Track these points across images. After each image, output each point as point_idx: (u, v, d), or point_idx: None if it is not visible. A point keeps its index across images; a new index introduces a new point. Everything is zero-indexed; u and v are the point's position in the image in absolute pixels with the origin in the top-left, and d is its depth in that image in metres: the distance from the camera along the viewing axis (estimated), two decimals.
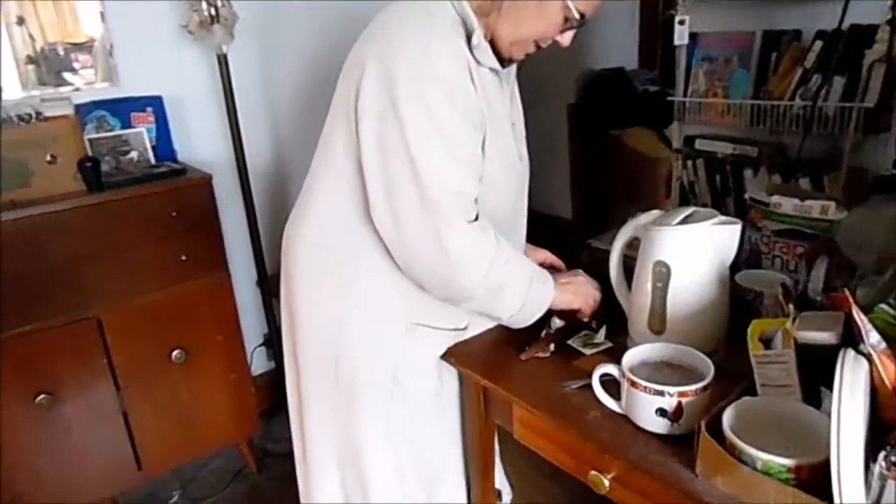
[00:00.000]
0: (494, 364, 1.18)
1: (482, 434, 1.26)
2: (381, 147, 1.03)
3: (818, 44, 1.53)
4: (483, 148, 1.09)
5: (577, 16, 1.03)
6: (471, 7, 1.05)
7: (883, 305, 0.90)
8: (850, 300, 0.83)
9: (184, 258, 1.90)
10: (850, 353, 0.80)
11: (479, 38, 1.04)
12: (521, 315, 1.17)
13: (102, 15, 2.02)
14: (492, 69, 1.09)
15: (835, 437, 0.73)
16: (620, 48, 4.21)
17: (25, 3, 1.90)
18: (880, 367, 0.80)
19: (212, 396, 2.07)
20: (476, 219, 1.08)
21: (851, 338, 0.84)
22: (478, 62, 1.05)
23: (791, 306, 1.03)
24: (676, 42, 1.78)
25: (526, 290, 1.14)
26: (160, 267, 1.88)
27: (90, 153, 1.89)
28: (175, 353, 1.95)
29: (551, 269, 1.33)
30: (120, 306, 1.83)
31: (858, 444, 0.73)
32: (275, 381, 2.50)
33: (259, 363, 2.53)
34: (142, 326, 1.88)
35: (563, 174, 4.18)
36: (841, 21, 1.42)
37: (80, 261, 1.75)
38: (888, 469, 0.72)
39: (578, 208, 4.23)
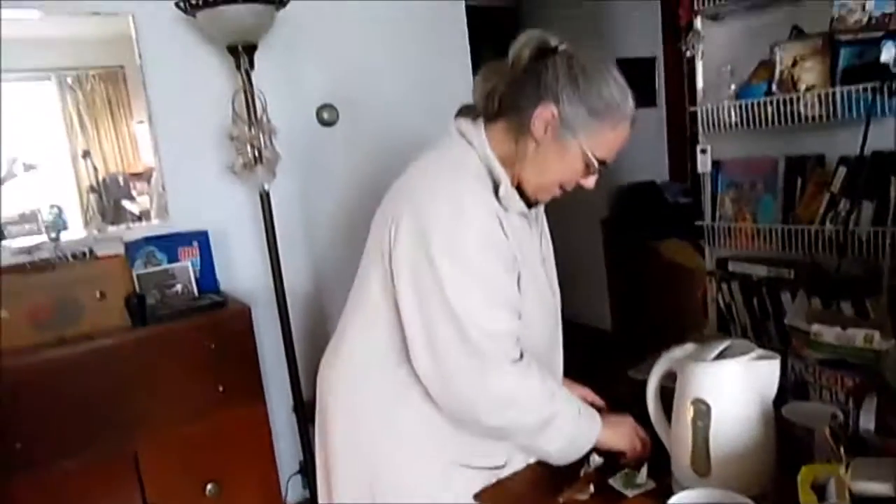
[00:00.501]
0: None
1: None
2: (420, 303, 1.05)
3: (842, 169, 1.55)
4: (519, 287, 1.11)
5: (595, 163, 1.07)
6: (496, 157, 1.10)
7: None
8: None
9: (221, 389, 1.93)
10: None
11: (505, 187, 1.08)
12: (567, 451, 1.15)
13: (155, 148, 2.19)
14: (521, 213, 1.13)
15: None
16: (650, 162, 4.32)
17: (91, 136, 2.09)
18: None
19: None
20: (521, 357, 1.08)
21: None
22: (505, 209, 1.09)
23: (842, 450, 0.98)
24: (700, 170, 1.82)
25: (573, 425, 1.12)
26: (197, 399, 1.90)
27: (138, 288, 1.98)
28: (209, 486, 1.93)
29: (591, 405, 1.30)
30: (156, 440, 1.85)
31: None
32: None
33: (294, 493, 2.47)
34: (177, 460, 1.88)
35: (602, 287, 4.19)
36: (862, 148, 1.44)
37: (121, 394, 1.79)
38: None
39: (618, 320, 4.19)
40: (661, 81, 4.32)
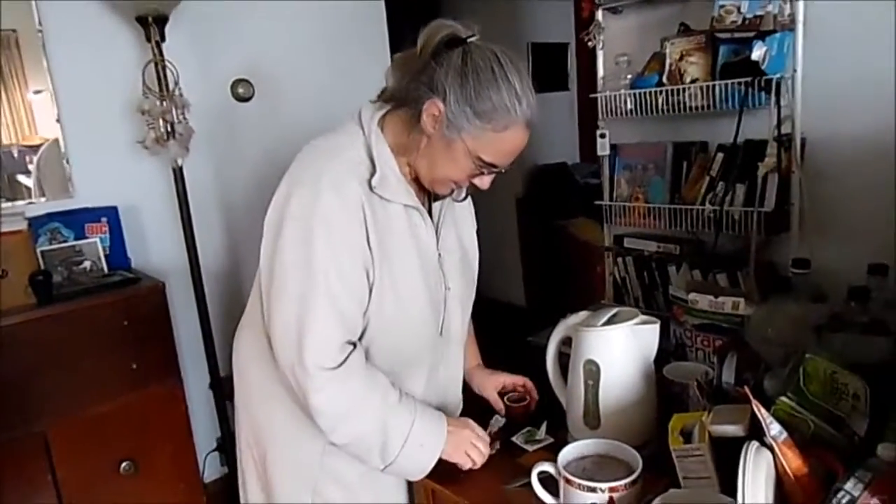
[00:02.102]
0: (442, 465, 1.21)
1: None
2: (267, 266, 1.07)
3: (720, 155, 1.72)
4: (372, 277, 1.07)
5: (482, 164, 1.04)
6: (389, 145, 1.08)
7: (784, 398, 0.99)
8: (750, 395, 0.92)
9: (135, 367, 1.91)
10: (754, 444, 0.89)
11: (381, 176, 1.05)
12: (393, 469, 1.11)
13: (59, 121, 2.09)
14: (404, 205, 1.10)
15: None
16: (562, 143, 4.51)
17: None
18: (781, 457, 0.88)
19: None
20: (342, 364, 1.04)
21: (758, 429, 0.92)
22: (383, 198, 1.06)
23: (707, 399, 1.13)
24: (599, 152, 1.97)
25: (415, 424, 1.09)
26: (110, 377, 1.87)
27: (42, 265, 1.92)
28: (124, 465, 1.91)
29: (513, 391, 1.37)
30: (67, 420, 1.81)
31: None
32: (228, 488, 2.45)
33: (212, 470, 2.48)
34: (89, 440, 1.85)
35: (516, 263, 4.34)
36: (735, 137, 1.61)
37: (28, 375, 1.74)
38: None
39: (531, 295, 4.36)
40: (573, 66, 4.51)
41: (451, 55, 0.99)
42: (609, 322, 1.23)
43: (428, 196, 1.19)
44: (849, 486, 0.82)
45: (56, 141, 2.11)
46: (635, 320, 1.22)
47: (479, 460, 1.16)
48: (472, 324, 1.44)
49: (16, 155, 2.07)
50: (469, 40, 1.01)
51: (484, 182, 1.09)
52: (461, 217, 1.28)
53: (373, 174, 1.05)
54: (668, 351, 1.36)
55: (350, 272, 1.04)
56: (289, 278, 1.04)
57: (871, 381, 1.02)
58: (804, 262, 1.38)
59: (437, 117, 1.01)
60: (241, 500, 1.36)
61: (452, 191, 1.14)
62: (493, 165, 1.05)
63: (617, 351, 1.20)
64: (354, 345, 1.08)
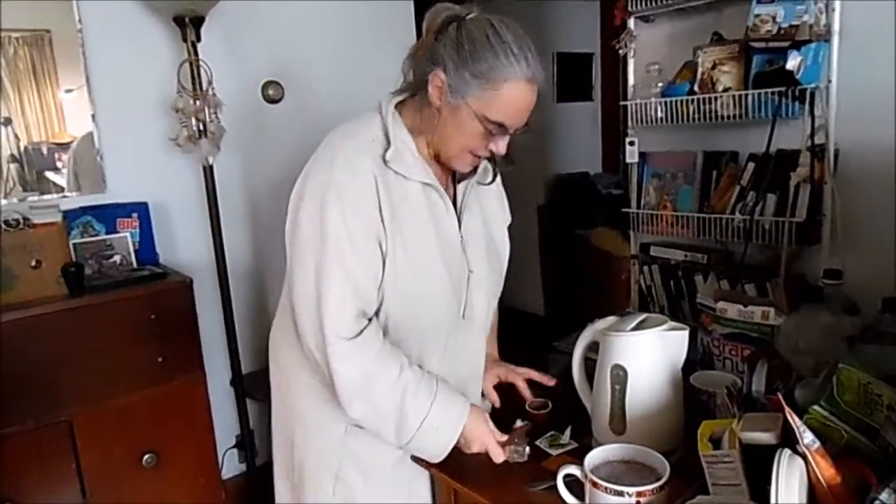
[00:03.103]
0: (465, 466, 1.22)
1: None
2: (289, 244, 1.13)
3: (751, 165, 1.71)
4: (385, 258, 1.10)
5: (491, 126, 1.05)
6: (407, 128, 1.12)
7: (817, 407, 0.98)
8: (783, 403, 0.91)
9: (160, 360, 1.94)
10: (787, 452, 0.88)
11: (393, 150, 1.09)
12: (410, 448, 1.15)
13: (94, 118, 2.14)
14: (423, 183, 1.12)
15: None
16: (585, 154, 4.51)
17: (13, 102, 2.02)
18: (814, 465, 0.87)
19: (180, 502, 2.03)
20: (358, 335, 1.07)
21: (790, 438, 0.91)
22: (401, 175, 1.10)
23: (736, 408, 1.12)
24: (628, 160, 1.96)
25: (416, 425, 1.10)
26: (136, 369, 1.90)
27: (74, 258, 1.95)
28: (146, 457, 1.94)
29: (531, 384, 1.38)
30: (93, 409, 1.84)
31: None
32: (246, 485, 2.46)
33: (230, 466, 2.50)
34: (114, 429, 1.88)
35: (535, 272, 4.34)
36: (768, 146, 1.60)
37: (57, 363, 1.77)
38: None
39: (550, 304, 4.36)
40: (598, 77, 4.51)
41: (449, 30, 1.05)
42: (637, 328, 1.22)
43: (453, 180, 1.21)
44: (884, 496, 0.81)
45: (90, 136, 2.15)
46: (664, 326, 1.21)
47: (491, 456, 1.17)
48: (497, 320, 1.45)
49: (45, 152, 2.12)
50: (467, 17, 1.05)
51: (499, 147, 1.10)
52: (490, 206, 1.29)
53: (387, 150, 1.09)
54: (694, 360, 1.35)
55: (363, 244, 1.07)
56: (307, 252, 1.08)
57: None
58: (836, 273, 1.37)
59: (440, 88, 1.05)
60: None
61: (476, 169, 1.17)
62: (501, 125, 1.06)
63: (645, 356, 1.19)
64: (371, 319, 1.11)
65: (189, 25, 2.03)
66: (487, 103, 1.04)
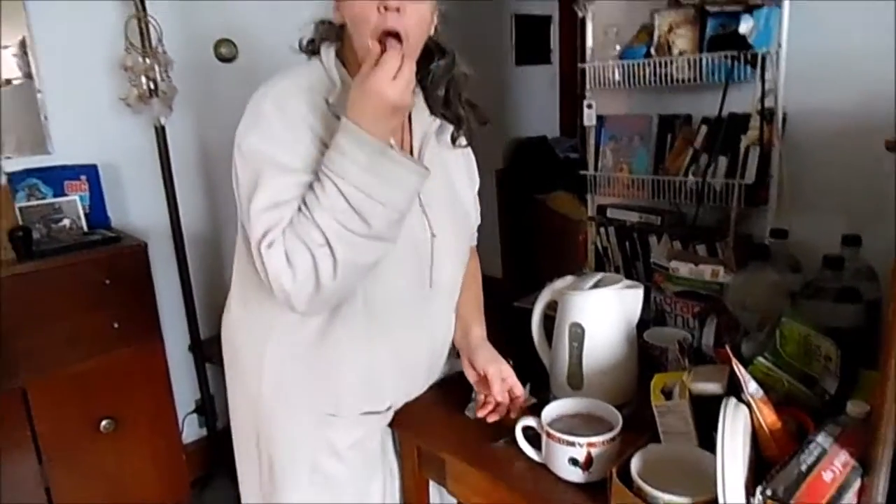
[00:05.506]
0: (428, 424, 1.24)
1: (418, 489, 1.32)
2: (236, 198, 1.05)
3: (703, 128, 1.75)
4: None
5: None
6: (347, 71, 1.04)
7: (760, 358, 1.04)
8: (731, 355, 0.96)
9: (116, 325, 1.90)
10: (732, 400, 0.93)
11: (339, 93, 1.02)
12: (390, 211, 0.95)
13: (36, 74, 2.04)
14: None
15: (720, 475, 0.84)
16: (543, 117, 4.52)
17: None
18: (758, 413, 0.93)
19: (141, 467, 2.03)
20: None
21: (736, 388, 0.97)
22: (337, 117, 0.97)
23: (687, 361, 1.17)
24: (585, 123, 1.99)
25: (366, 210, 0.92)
26: (91, 335, 1.87)
27: (21, 221, 1.89)
28: (104, 423, 1.92)
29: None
30: (47, 376, 1.81)
31: (739, 481, 0.84)
32: (207, 449, 2.47)
33: (191, 431, 2.49)
34: (70, 397, 1.85)
35: (494, 235, 4.38)
36: (720, 110, 1.64)
37: (8, 331, 1.72)
38: (765, 502, 0.84)
39: (508, 267, 4.41)
40: (556, 40, 4.50)
41: None
42: (594, 287, 1.26)
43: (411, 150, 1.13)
44: (820, 438, 0.87)
45: (22, 90, 2.03)
46: (620, 284, 1.25)
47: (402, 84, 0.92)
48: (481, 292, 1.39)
49: None
50: None
51: (389, 20, 0.95)
52: (455, 168, 1.23)
53: (332, 92, 1.02)
54: (647, 318, 1.40)
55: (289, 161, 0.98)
56: (242, 195, 1.01)
57: (843, 345, 1.08)
58: (782, 233, 1.43)
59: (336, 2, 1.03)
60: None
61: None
62: None
63: (602, 314, 1.23)
64: None
65: None
66: None
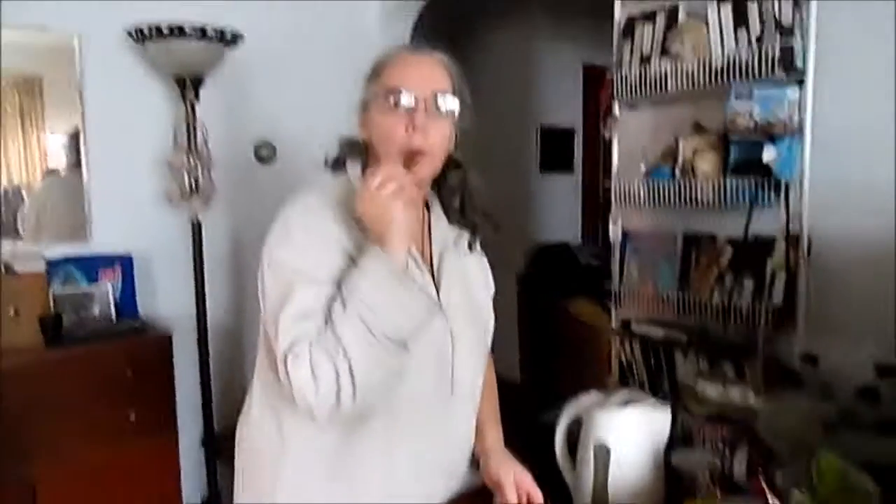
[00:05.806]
0: None
1: None
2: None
3: (729, 248, 1.78)
4: None
5: (391, 95, 1.04)
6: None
7: (797, 492, 1.00)
8: (765, 488, 0.93)
9: (132, 418, 1.89)
10: None
11: None
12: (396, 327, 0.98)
13: (86, 166, 2.15)
14: None
15: None
16: (565, 224, 4.61)
17: None
18: None
19: None
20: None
21: None
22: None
23: (717, 489, 1.13)
24: (611, 239, 2.03)
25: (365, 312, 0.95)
26: (107, 426, 1.86)
27: (53, 308, 1.93)
28: None
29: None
30: (58, 470, 1.77)
31: None
32: None
33: None
34: (79, 489, 1.81)
35: (513, 340, 4.35)
36: (745, 233, 1.67)
37: (26, 418, 1.72)
38: None
39: (526, 372, 4.34)
40: (579, 151, 4.68)
41: None
42: (621, 405, 1.24)
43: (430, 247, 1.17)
44: None
45: (62, 181, 2.15)
46: (648, 404, 1.23)
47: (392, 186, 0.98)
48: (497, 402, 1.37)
49: (24, 196, 2.10)
50: None
51: (416, 121, 1.03)
52: (472, 275, 1.24)
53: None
54: (674, 438, 1.37)
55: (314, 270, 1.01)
56: (268, 306, 1.03)
57: (882, 482, 1.03)
58: (812, 358, 1.41)
59: (360, 120, 1.12)
60: None
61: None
62: (398, 90, 1.04)
63: (629, 434, 1.21)
64: None
65: (189, 85, 2.09)
66: (381, 83, 1.07)
